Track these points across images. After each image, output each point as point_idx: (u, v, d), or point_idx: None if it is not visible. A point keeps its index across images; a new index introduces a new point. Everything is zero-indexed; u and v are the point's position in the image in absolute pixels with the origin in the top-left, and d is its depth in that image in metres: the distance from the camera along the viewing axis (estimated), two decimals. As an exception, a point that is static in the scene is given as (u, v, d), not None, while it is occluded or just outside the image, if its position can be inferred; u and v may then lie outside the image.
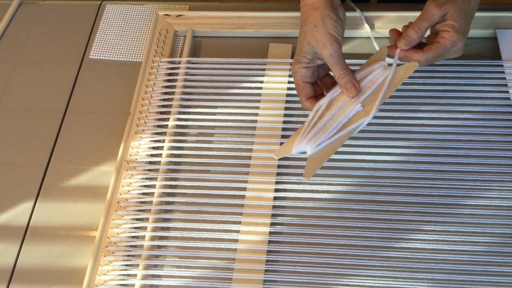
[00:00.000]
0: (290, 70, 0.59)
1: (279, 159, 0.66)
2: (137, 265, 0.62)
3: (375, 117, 0.67)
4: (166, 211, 0.66)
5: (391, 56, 0.58)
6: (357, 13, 0.76)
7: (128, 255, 0.62)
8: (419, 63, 0.57)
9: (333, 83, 0.59)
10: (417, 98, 0.69)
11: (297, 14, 0.69)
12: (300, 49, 0.58)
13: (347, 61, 0.58)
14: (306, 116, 0.69)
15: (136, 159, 0.68)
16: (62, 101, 0.78)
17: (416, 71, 0.69)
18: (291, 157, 0.67)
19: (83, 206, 0.68)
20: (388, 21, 0.76)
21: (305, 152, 0.58)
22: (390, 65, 0.57)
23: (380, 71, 0.58)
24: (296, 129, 0.68)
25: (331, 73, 0.58)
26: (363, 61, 0.62)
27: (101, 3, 0.88)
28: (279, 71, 0.73)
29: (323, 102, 0.58)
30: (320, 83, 0.61)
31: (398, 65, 0.57)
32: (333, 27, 0.56)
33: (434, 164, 0.64)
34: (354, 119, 0.56)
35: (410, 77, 0.70)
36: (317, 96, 0.60)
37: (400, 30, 0.59)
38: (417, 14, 0.73)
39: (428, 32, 0.59)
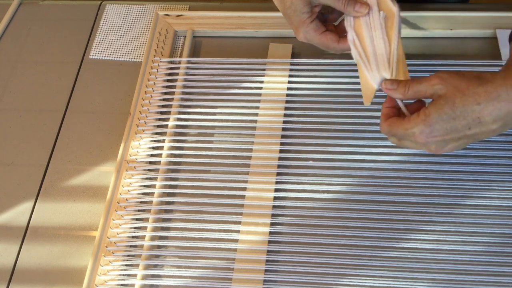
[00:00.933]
0: (301, 37, 0.59)
1: (279, 159, 0.67)
2: (137, 265, 0.62)
3: (375, 117, 0.67)
4: (166, 211, 0.65)
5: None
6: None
7: (128, 255, 0.62)
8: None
9: (335, 27, 0.59)
10: (417, 98, 0.69)
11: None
12: (294, 11, 0.57)
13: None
14: (306, 116, 0.69)
15: (136, 159, 0.68)
16: (62, 101, 0.78)
17: (416, 71, 0.70)
18: (291, 157, 0.67)
19: (83, 206, 0.68)
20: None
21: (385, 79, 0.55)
22: None
23: None
24: (298, 129, 0.68)
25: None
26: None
27: (101, 3, 0.88)
28: (279, 71, 0.73)
29: (351, 35, 0.58)
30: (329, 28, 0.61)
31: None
32: None
33: (434, 164, 0.64)
34: (388, 26, 0.56)
35: (410, 77, 0.70)
36: (341, 35, 0.59)
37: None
38: (418, 14, 0.73)
39: None
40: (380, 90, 0.56)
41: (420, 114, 0.47)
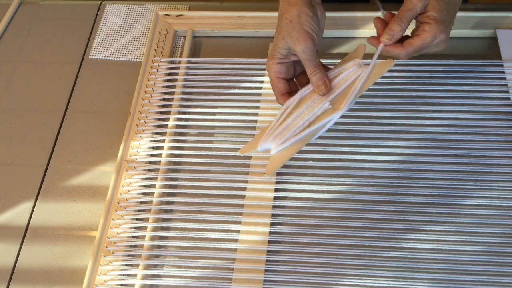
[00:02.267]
0: (266, 65, 0.60)
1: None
2: (137, 265, 0.62)
3: (375, 117, 0.68)
4: (166, 211, 0.65)
5: (374, 45, 0.57)
6: (356, 14, 0.76)
7: (128, 255, 0.62)
8: (399, 58, 0.57)
9: (308, 81, 0.59)
10: (417, 98, 0.69)
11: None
12: (275, 44, 0.58)
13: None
14: (306, 116, 0.69)
15: (136, 159, 0.68)
16: (62, 101, 0.78)
17: (416, 71, 0.70)
18: (292, 157, 0.67)
19: (83, 206, 0.68)
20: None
21: (269, 150, 0.58)
22: (366, 65, 0.57)
23: (353, 69, 0.57)
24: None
25: None
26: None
27: (101, 3, 0.88)
28: (279, 71, 0.73)
29: (293, 99, 0.58)
30: (296, 81, 0.61)
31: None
32: (308, 23, 0.56)
33: (434, 164, 0.64)
34: (321, 117, 0.56)
35: (410, 77, 0.70)
36: (292, 92, 0.60)
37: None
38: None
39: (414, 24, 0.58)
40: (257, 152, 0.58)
41: (430, 23, 0.54)
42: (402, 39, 0.57)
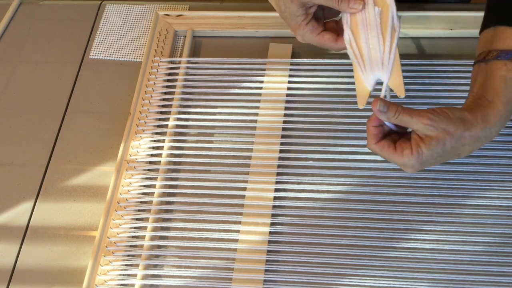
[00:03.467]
0: (299, 39, 0.59)
1: (279, 159, 0.67)
2: (137, 265, 0.62)
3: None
4: (166, 211, 0.65)
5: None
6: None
7: (128, 255, 0.62)
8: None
9: (336, 23, 0.59)
10: (417, 98, 0.69)
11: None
12: (290, 14, 0.57)
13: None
14: (306, 116, 0.69)
15: (136, 159, 0.68)
16: (62, 101, 0.78)
17: (415, 71, 0.70)
18: (291, 157, 0.67)
19: (83, 206, 0.68)
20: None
21: (381, 83, 0.55)
22: None
23: None
24: (298, 128, 0.68)
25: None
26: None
27: (101, 3, 0.88)
28: (279, 71, 0.73)
29: (347, 34, 0.57)
30: (327, 27, 0.61)
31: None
32: None
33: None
34: (384, 22, 0.55)
35: (410, 77, 0.70)
36: (338, 33, 0.59)
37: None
38: (418, 14, 0.73)
39: None
40: (375, 91, 0.56)
41: (413, 152, 0.50)
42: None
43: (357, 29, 0.57)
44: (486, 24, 0.55)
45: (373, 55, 0.56)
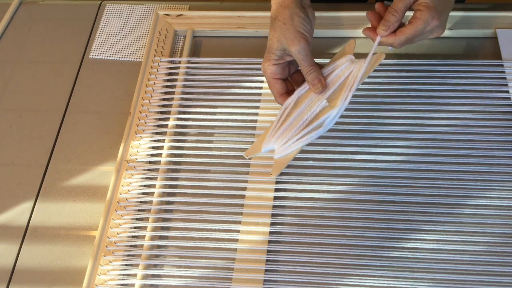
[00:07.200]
0: (262, 67, 0.61)
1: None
2: (137, 265, 0.62)
3: (375, 117, 0.67)
4: (166, 211, 0.65)
5: (368, 36, 0.58)
6: (354, 14, 0.76)
7: (128, 255, 0.62)
8: (394, 46, 0.57)
9: (303, 80, 0.60)
10: (417, 98, 0.69)
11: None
12: (270, 46, 0.59)
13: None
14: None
15: (136, 159, 0.68)
16: (62, 101, 0.78)
17: (415, 71, 0.70)
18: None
19: (83, 206, 0.68)
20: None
21: (273, 151, 0.58)
22: (358, 60, 0.57)
23: (346, 65, 0.58)
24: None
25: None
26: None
27: (101, 3, 0.88)
28: (279, 71, 0.73)
29: (291, 99, 0.59)
30: (291, 80, 0.62)
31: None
32: (301, 24, 0.57)
33: (435, 164, 0.64)
34: (320, 115, 0.57)
35: (410, 77, 0.70)
36: (289, 92, 0.60)
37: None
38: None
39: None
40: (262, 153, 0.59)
41: (422, 10, 0.55)
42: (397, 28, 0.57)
43: (301, 103, 0.58)
44: None
45: (288, 131, 0.57)
